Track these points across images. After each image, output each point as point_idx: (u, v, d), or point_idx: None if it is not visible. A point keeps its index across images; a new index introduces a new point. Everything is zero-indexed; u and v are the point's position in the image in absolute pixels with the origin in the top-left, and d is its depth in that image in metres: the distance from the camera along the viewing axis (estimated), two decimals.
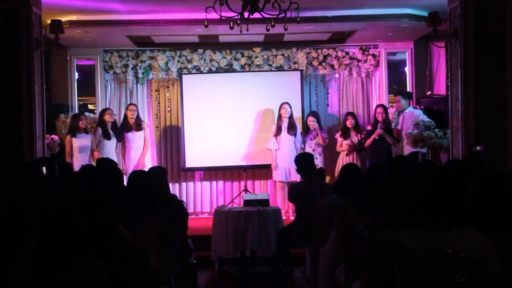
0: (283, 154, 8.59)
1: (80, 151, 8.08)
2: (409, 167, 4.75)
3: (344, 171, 5.11)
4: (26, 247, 2.28)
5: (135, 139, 8.58)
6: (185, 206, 5.56)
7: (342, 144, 8.63)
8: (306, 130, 8.83)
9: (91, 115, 8.98)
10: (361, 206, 4.09)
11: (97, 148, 8.28)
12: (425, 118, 7.97)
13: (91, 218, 2.59)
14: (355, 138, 8.57)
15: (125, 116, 8.73)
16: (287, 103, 8.60)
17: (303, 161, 6.29)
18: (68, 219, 2.36)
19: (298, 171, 6.28)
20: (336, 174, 8.12)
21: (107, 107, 8.97)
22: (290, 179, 8.52)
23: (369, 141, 8.30)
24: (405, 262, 2.61)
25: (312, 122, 8.66)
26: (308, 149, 8.43)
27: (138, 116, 8.66)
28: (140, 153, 8.60)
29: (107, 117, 8.38)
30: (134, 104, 8.85)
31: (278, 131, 8.59)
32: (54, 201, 2.39)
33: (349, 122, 8.65)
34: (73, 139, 8.10)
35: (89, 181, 3.40)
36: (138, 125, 8.61)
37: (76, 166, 7.46)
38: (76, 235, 2.35)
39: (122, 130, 8.60)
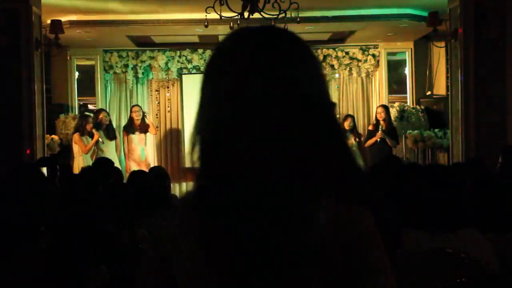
0: None
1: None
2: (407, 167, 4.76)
3: None
4: (30, 248, 2.28)
5: (140, 140, 8.48)
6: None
7: None
8: None
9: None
10: None
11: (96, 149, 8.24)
12: None
13: (90, 220, 2.59)
14: (352, 140, 8.55)
15: (131, 117, 8.62)
16: None
17: None
18: (69, 222, 2.36)
19: None
20: None
21: (102, 108, 8.79)
22: None
23: (369, 142, 8.28)
24: (405, 262, 2.61)
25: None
26: None
27: (143, 118, 8.46)
28: (146, 153, 8.54)
29: (102, 119, 8.25)
30: (137, 105, 8.68)
31: None
32: (54, 204, 2.39)
33: (347, 124, 8.58)
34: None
35: (87, 184, 3.41)
36: (143, 127, 8.51)
37: (78, 167, 7.42)
38: (78, 238, 2.35)
39: (127, 130, 8.48)
